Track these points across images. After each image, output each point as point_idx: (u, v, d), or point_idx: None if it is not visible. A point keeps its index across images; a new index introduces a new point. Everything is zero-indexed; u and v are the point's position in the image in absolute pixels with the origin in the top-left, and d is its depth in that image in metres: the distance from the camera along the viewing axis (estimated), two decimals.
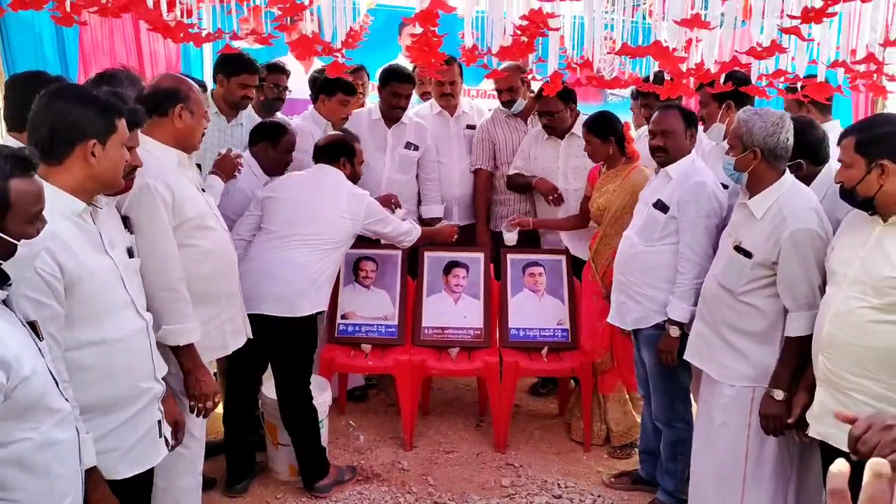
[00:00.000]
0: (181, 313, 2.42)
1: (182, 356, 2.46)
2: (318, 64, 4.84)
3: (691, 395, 3.29)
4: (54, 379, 1.69)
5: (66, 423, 1.71)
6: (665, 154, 3.13)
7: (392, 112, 4.24)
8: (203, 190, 2.73)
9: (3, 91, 4.26)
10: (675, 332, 3.07)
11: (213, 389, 2.52)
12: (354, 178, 3.58)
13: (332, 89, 4.10)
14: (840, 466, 0.74)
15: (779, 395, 2.56)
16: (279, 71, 4.34)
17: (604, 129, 3.63)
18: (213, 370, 2.88)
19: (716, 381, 2.79)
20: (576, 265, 4.14)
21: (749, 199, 2.66)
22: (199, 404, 2.50)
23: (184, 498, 2.67)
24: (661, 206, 3.11)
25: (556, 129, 4.08)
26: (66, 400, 1.73)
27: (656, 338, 3.16)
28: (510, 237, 4.14)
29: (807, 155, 2.75)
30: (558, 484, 3.61)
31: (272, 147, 3.65)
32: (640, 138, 4.14)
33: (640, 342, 3.33)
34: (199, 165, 3.21)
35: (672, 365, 3.12)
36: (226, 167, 3.39)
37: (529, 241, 4.41)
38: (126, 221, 2.30)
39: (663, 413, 3.29)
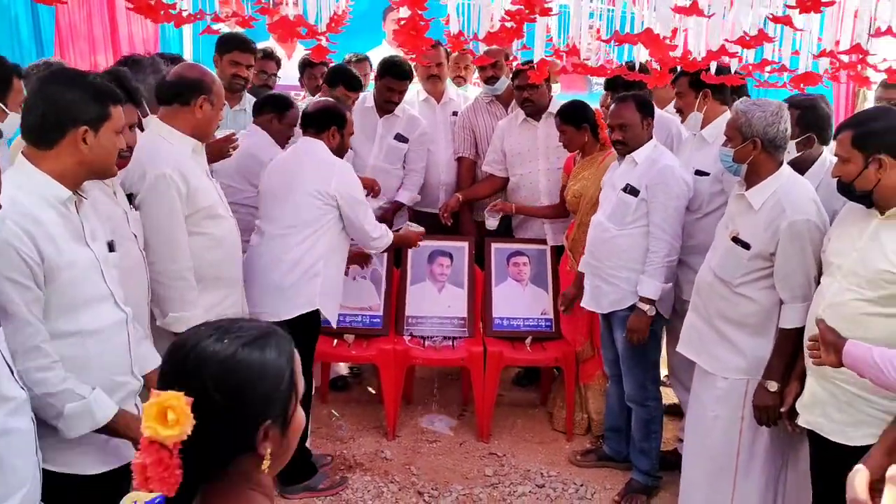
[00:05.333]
0: (187, 301, 2.53)
1: None
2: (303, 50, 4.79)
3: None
4: (9, 367, 1.63)
5: (21, 412, 1.64)
6: (625, 146, 3.24)
7: (385, 104, 4.20)
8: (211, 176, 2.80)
9: None
10: (650, 310, 3.14)
11: None
12: (343, 149, 3.33)
13: (336, 82, 3.97)
14: (859, 475, 0.72)
15: (773, 386, 2.56)
16: (268, 57, 4.28)
17: (577, 118, 3.68)
18: None
19: (708, 373, 2.79)
20: (557, 254, 4.14)
21: (746, 190, 2.65)
22: None
23: None
24: (631, 191, 3.18)
25: (535, 105, 4.04)
26: (23, 388, 1.67)
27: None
28: (492, 223, 4.15)
29: (816, 130, 2.75)
30: (541, 473, 3.61)
31: (278, 120, 3.60)
32: None
33: (613, 324, 3.36)
34: None
35: (642, 344, 3.18)
36: (213, 152, 3.26)
37: (504, 230, 4.39)
38: (131, 198, 2.39)
39: (637, 393, 3.34)
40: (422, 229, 3.77)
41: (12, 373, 1.64)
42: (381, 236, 3.37)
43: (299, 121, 3.45)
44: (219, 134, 3.38)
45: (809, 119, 2.73)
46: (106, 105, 1.90)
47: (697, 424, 2.89)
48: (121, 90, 2.18)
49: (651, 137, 3.27)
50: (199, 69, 2.70)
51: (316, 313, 3.21)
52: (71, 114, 1.85)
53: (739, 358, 2.69)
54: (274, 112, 3.60)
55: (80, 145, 1.87)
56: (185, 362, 1.05)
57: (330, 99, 3.53)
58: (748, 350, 2.67)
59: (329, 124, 3.24)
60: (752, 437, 2.71)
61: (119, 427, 1.91)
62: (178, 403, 0.97)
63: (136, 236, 2.37)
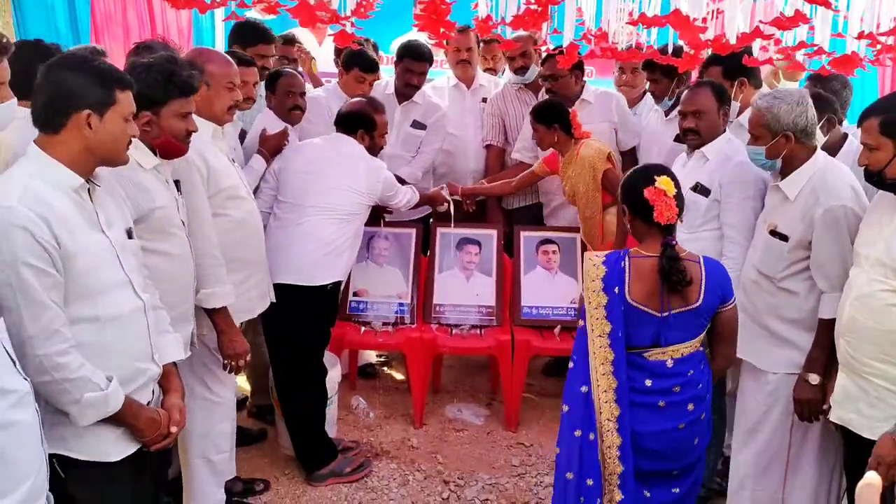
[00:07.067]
0: (218, 277, 2.61)
1: (217, 318, 2.65)
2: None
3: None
4: (11, 359, 1.62)
5: (23, 403, 1.62)
6: (698, 136, 2.95)
7: (406, 89, 4.15)
8: (233, 160, 2.88)
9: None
10: None
11: (244, 349, 2.72)
12: (374, 149, 3.45)
13: (350, 64, 4.04)
14: (870, 481, 0.68)
15: (814, 379, 2.47)
16: (288, 43, 4.29)
17: (548, 117, 3.72)
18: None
19: (758, 370, 2.70)
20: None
21: (781, 181, 2.56)
22: (231, 362, 2.71)
23: (221, 441, 2.90)
24: (701, 190, 2.93)
25: (560, 95, 3.97)
26: (25, 379, 1.65)
27: None
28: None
29: (830, 110, 2.69)
30: None
31: (272, 94, 3.59)
32: (648, 112, 4.06)
33: None
34: None
35: None
36: (271, 145, 3.40)
37: (535, 219, 4.35)
38: (178, 185, 2.47)
39: None
40: (449, 199, 4.01)
41: (14, 364, 1.63)
42: (412, 198, 3.72)
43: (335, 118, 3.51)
44: (270, 129, 3.46)
45: (819, 102, 2.61)
46: (111, 90, 1.89)
47: (746, 421, 2.79)
48: (174, 82, 2.28)
49: (725, 130, 3.00)
50: (193, 52, 2.79)
51: (337, 286, 3.38)
52: (75, 98, 1.85)
53: (792, 352, 2.59)
54: (268, 90, 3.61)
55: (85, 130, 1.86)
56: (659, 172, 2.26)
57: (363, 100, 3.56)
58: (800, 344, 2.56)
59: (356, 128, 3.41)
60: (804, 431, 2.63)
61: (126, 416, 1.93)
62: (669, 179, 2.21)
63: (183, 223, 2.42)
